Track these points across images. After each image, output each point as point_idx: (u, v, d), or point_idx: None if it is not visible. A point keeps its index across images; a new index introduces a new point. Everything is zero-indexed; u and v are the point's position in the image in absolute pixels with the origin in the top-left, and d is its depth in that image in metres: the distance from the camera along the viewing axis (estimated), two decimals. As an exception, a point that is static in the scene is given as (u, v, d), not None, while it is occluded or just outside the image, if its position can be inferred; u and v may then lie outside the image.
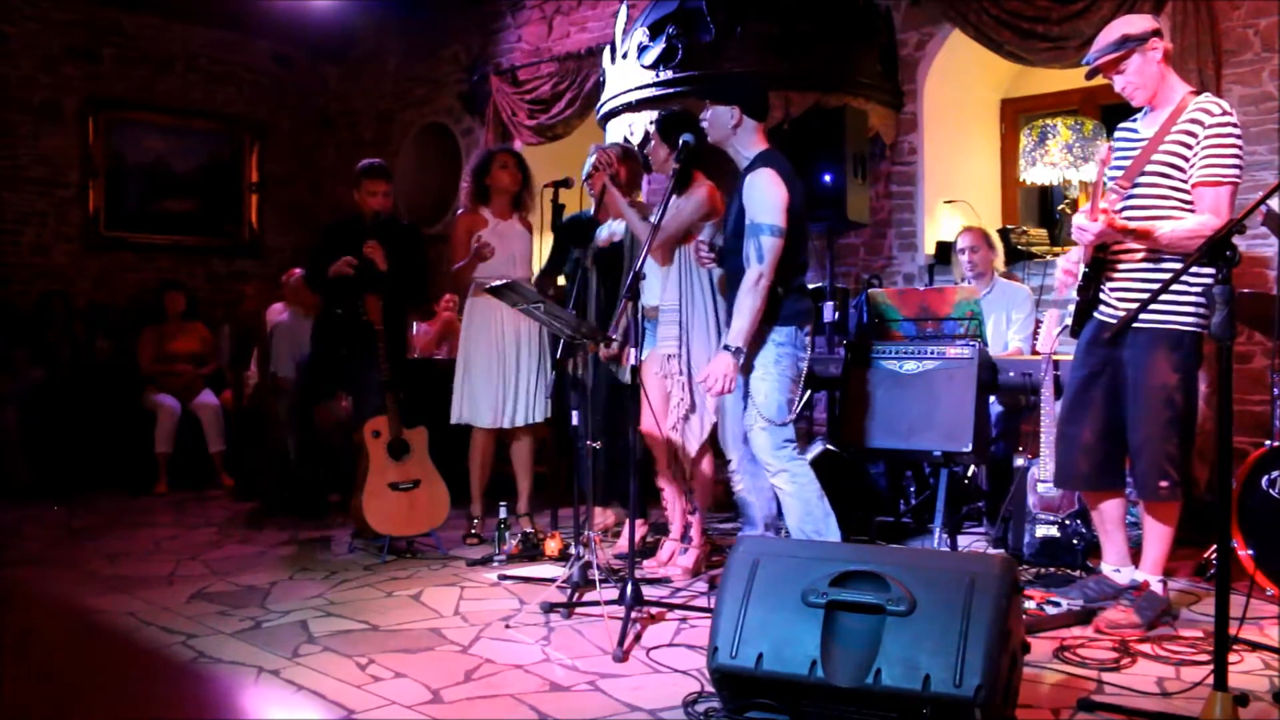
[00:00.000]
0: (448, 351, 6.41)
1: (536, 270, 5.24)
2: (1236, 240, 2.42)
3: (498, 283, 3.93)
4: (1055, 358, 3.98)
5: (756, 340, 3.67)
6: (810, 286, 4.29)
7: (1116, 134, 3.51)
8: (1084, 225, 3.25)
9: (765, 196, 3.60)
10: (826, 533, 3.66)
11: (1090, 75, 3.41)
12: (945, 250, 5.41)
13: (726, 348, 3.62)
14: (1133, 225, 3.22)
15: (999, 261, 5.06)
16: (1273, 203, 3.21)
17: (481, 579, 4.17)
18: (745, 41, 4.87)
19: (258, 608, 3.75)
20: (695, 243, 3.97)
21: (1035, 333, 4.47)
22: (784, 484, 3.69)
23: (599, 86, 5.93)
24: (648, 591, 3.67)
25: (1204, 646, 3.07)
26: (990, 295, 4.80)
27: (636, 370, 3.57)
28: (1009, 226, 5.51)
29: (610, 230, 4.85)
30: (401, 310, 5.01)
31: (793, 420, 3.71)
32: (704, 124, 3.78)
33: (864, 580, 2.49)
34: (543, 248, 5.21)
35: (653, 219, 3.78)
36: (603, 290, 4.70)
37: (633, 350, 3.57)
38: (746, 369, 3.71)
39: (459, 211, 5.04)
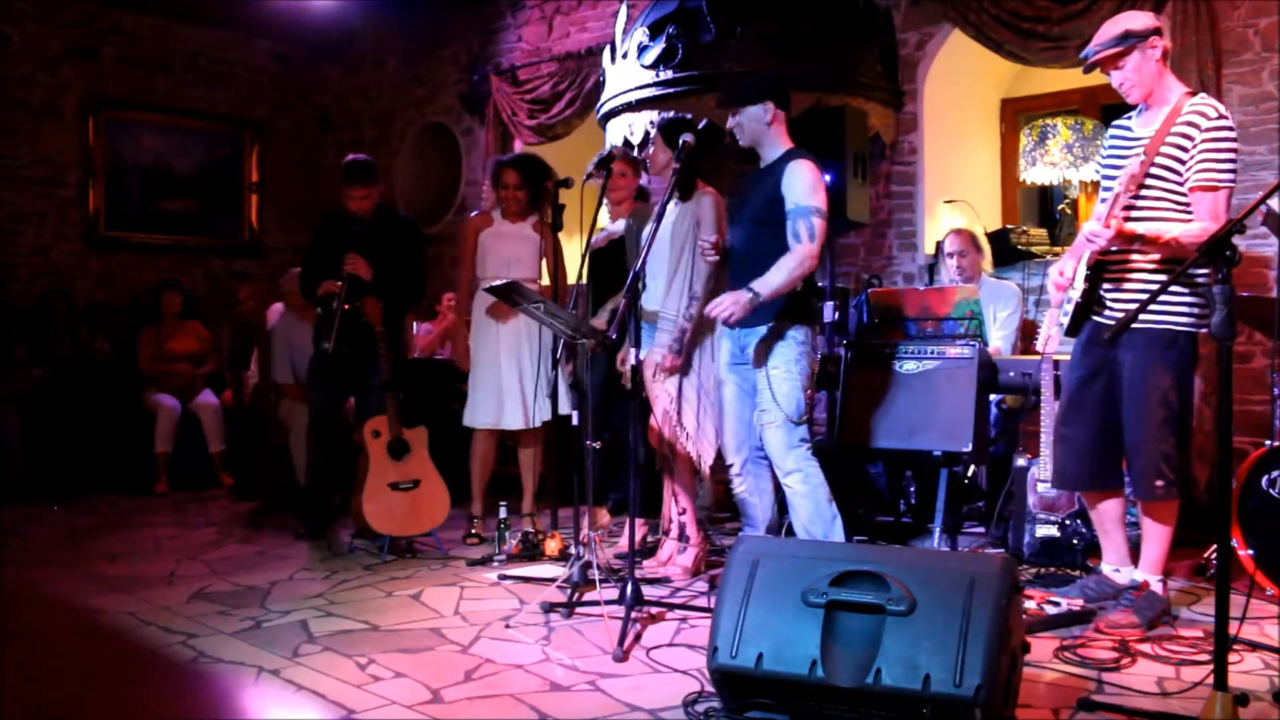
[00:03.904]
0: (450, 351, 6.41)
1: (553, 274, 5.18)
2: (1236, 240, 2.42)
3: (497, 283, 3.93)
4: (1055, 357, 3.98)
5: (777, 338, 3.69)
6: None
7: (1110, 133, 3.51)
8: (1098, 232, 3.25)
9: (812, 181, 3.66)
10: (833, 535, 3.68)
11: (1088, 69, 3.41)
12: (944, 250, 5.41)
13: (750, 289, 3.59)
14: (1141, 230, 3.22)
15: (986, 263, 5.06)
16: (1273, 203, 3.21)
17: (481, 579, 4.17)
18: (745, 41, 4.86)
19: (258, 608, 3.75)
20: (700, 240, 3.97)
21: (1035, 333, 4.47)
22: (796, 484, 3.70)
23: (599, 86, 5.92)
24: (648, 591, 3.67)
25: (1204, 646, 3.07)
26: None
27: (636, 370, 3.57)
28: (1009, 226, 5.51)
29: (608, 231, 4.86)
30: (397, 310, 5.00)
31: (806, 420, 3.74)
32: (735, 129, 3.78)
33: (864, 580, 2.49)
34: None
35: (650, 225, 3.77)
36: (602, 289, 4.70)
37: (633, 350, 3.57)
38: (761, 366, 3.71)
39: (472, 213, 5.04)
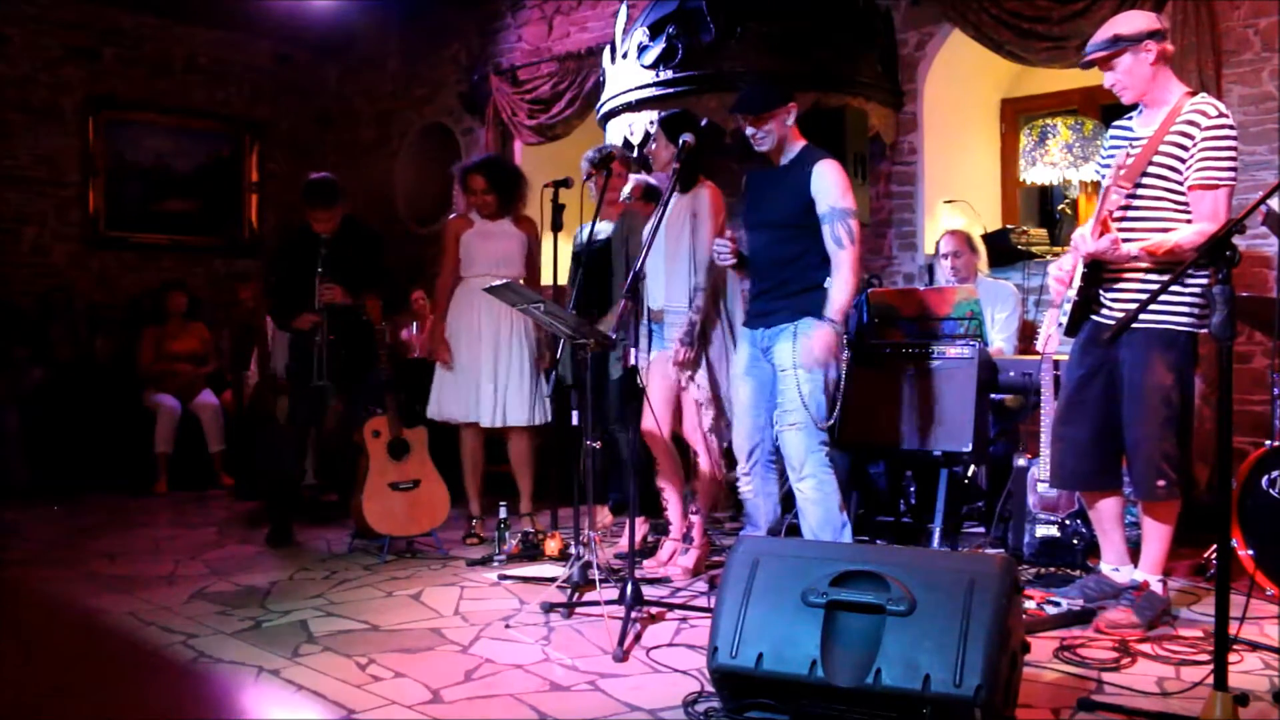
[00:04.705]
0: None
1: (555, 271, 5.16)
2: (1236, 240, 2.42)
3: (496, 283, 3.93)
4: (1055, 357, 3.97)
5: (800, 336, 3.66)
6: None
7: (1110, 133, 3.52)
8: (1084, 236, 3.29)
9: (841, 183, 3.65)
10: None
11: (1085, 66, 3.44)
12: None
13: (829, 320, 3.61)
14: (1135, 249, 3.23)
15: (982, 264, 5.05)
16: (1273, 203, 3.21)
17: (481, 579, 4.17)
18: (745, 41, 4.87)
19: (258, 608, 3.75)
20: (715, 242, 3.96)
21: (1034, 333, 4.47)
22: (809, 490, 3.68)
23: (599, 86, 5.93)
24: (648, 591, 3.67)
25: (1204, 646, 3.07)
26: None
27: (636, 370, 3.56)
28: (1009, 226, 5.51)
29: (591, 230, 4.84)
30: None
31: (831, 424, 3.70)
32: (760, 138, 3.73)
33: (864, 580, 2.49)
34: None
35: (652, 222, 3.78)
36: (594, 290, 4.69)
37: (633, 350, 3.56)
38: (785, 366, 3.69)
39: (451, 215, 5.04)
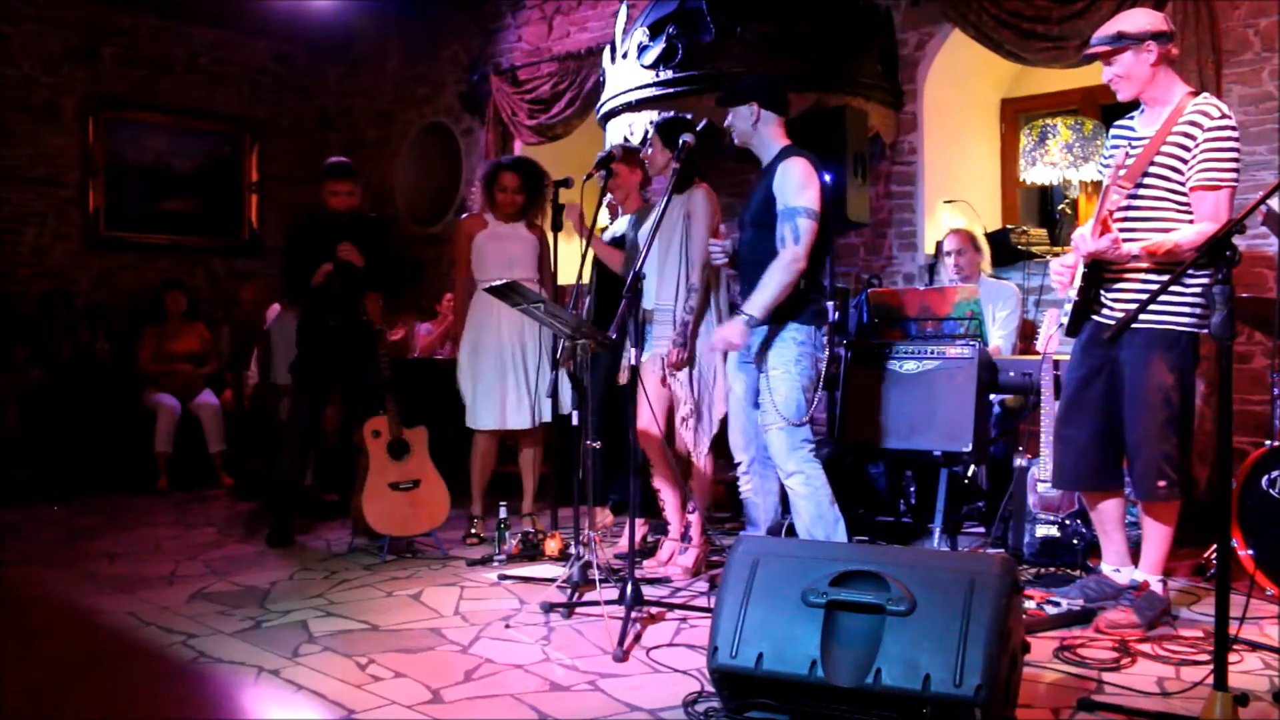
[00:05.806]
0: (450, 351, 6.41)
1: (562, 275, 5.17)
2: (1236, 240, 2.42)
3: (497, 283, 3.94)
4: (1055, 357, 3.98)
5: (775, 339, 3.68)
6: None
7: (1112, 133, 3.52)
8: (1084, 235, 3.29)
9: (802, 181, 3.64)
10: (835, 538, 3.67)
11: (1086, 61, 3.46)
12: (945, 250, 5.40)
13: (743, 313, 3.62)
14: (1136, 249, 3.23)
15: (985, 263, 5.06)
16: (1273, 203, 3.21)
17: (481, 579, 4.17)
18: (745, 41, 4.86)
19: (258, 608, 3.75)
20: (710, 242, 4.00)
21: (1034, 333, 4.47)
22: (797, 486, 3.69)
23: (599, 86, 5.92)
24: (648, 591, 3.67)
25: (1204, 646, 3.07)
26: None
27: (636, 370, 3.57)
28: (1009, 226, 5.51)
29: (611, 233, 4.86)
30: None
31: (808, 421, 3.71)
32: (729, 129, 3.80)
33: (864, 580, 2.49)
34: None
35: (652, 220, 3.79)
36: (604, 290, 4.70)
37: (633, 350, 3.57)
38: (762, 366, 3.71)
39: (463, 215, 5.05)
